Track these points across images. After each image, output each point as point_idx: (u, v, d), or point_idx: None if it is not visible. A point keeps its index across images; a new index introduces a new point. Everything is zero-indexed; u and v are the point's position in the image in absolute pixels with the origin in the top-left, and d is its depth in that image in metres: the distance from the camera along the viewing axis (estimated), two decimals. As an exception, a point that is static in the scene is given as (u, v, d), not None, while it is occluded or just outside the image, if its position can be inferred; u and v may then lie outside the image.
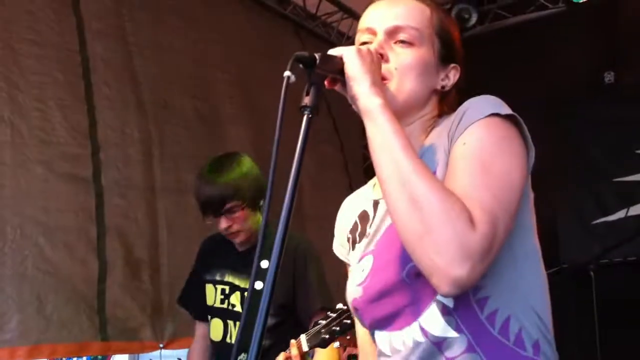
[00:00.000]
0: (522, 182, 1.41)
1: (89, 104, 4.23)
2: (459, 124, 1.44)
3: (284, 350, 2.77)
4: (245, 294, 3.12)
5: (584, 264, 4.51)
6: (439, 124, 1.58)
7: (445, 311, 1.42)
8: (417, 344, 1.46)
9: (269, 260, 1.27)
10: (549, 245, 5.26)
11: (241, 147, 5.14)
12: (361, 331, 1.73)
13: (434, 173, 1.46)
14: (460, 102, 1.57)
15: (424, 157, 1.51)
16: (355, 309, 1.60)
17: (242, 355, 2.90)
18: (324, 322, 2.59)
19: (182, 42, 4.92)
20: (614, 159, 5.55)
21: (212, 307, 3.23)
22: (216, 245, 3.23)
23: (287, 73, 1.32)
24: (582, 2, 5.42)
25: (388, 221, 1.54)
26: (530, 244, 1.49)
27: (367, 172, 6.16)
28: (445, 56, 1.60)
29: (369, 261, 1.56)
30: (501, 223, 1.32)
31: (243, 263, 3.14)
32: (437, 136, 1.54)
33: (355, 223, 1.71)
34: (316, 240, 3.32)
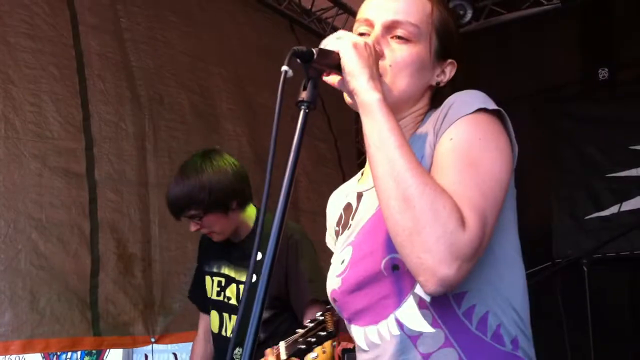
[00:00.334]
0: (508, 178, 1.42)
1: (83, 98, 4.21)
2: (444, 118, 1.44)
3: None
4: (241, 286, 3.13)
5: (577, 258, 4.52)
6: (427, 116, 1.58)
7: (422, 305, 1.41)
8: (392, 338, 1.45)
9: (263, 253, 1.27)
10: (543, 240, 5.30)
11: (237, 142, 5.15)
12: None
13: None
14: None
15: None
16: (334, 300, 1.60)
17: (237, 350, 2.90)
18: (301, 331, 2.55)
19: (178, 36, 4.90)
20: (607, 155, 5.57)
21: (210, 299, 3.26)
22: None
23: (284, 67, 1.32)
24: (576, -1, 5.43)
25: (370, 213, 1.55)
26: (510, 240, 1.49)
27: (360, 167, 6.03)
28: (442, 52, 1.59)
29: (348, 252, 1.56)
30: (489, 221, 1.33)
31: (238, 255, 3.15)
32: (424, 129, 1.53)
33: (341, 215, 1.72)
34: (311, 234, 3.33)
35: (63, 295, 3.91)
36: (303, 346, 2.51)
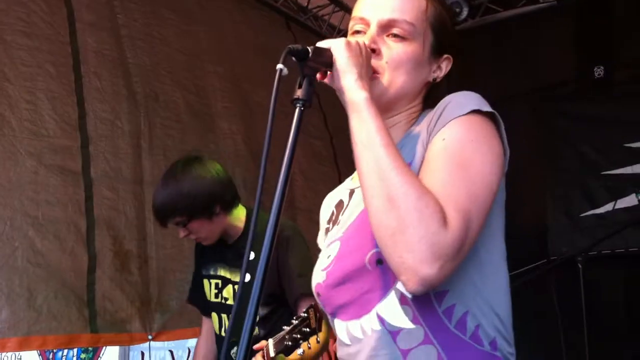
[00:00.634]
0: (497, 181, 1.42)
1: (79, 96, 4.21)
2: (439, 118, 1.45)
3: None
4: (236, 287, 3.17)
5: (572, 256, 4.54)
6: (423, 116, 1.59)
7: (403, 300, 1.42)
8: (373, 333, 1.46)
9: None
10: (539, 237, 5.31)
11: (232, 141, 5.16)
12: None
13: (410, 164, 1.47)
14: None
15: (403, 148, 1.52)
16: (318, 294, 1.61)
17: (235, 349, 2.91)
18: (287, 328, 2.62)
19: (174, 34, 4.90)
20: (602, 153, 5.59)
21: (210, 301, 3.31)
22: None
23: (279, 66, 1.34)
24: (572, -3, 5.44)
25: (359, 209, 1.55)
26: (496, 244, 1.49)
27: None
28: (438, 48, 1.60)
29: (336, 247, 1.57)
30: (474, 223, 1.34)
31: (233, 256, 3.19)
32: (419, 128, 1.54)
33: (332, 212, 1.74)
34: (307, 232, 3.35)
35: (60, 292, 3.92)
36: (289, 343, 2.60)
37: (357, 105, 1.40)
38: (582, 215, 5.56)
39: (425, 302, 1.41)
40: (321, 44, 1.45)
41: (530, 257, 4.92)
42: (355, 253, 1.49)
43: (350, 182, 1.73)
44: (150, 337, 4.39)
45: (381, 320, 1.45)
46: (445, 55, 1.62)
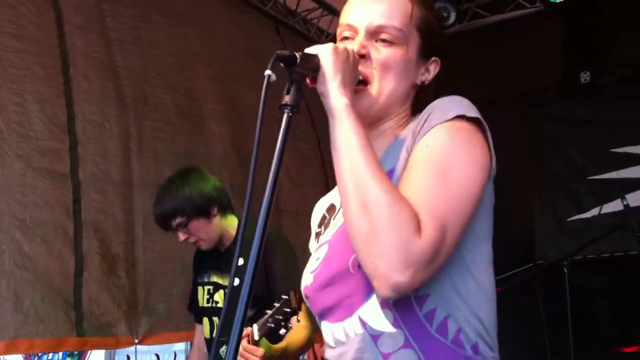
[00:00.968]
0: (480, 189, 1.42)
1: (68, 98, 4.20)
2: (424, 123, 1.45)
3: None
4: (226, 290, 3.31)
5: (558, 260, 4.56)
6: (412, 120, 1.59)
7: (384, 304, 1.43)
8: (356, 336, 1.47)
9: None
10: (524, 242, 5.33)
11: (221, 144, 5.16)
12: None
13: (393, 170, 1.48)
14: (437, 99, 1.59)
15: (391, 153, 1.53)
16: (306, 297, 1.62)
17: (224, 348, 2.95)
18: (269, 311, 2.79)
19: (163, 36, 4.89)
20: (589, 158, 5.63)
21: (202, 307, 3.48)
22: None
23: (268, 72, 1.34)
24: (560, 2, 5.47)
25: None
26: (481, 250, 1.49)
27: None
28: (426, 51, 1.61)
29: (324, 250, 1.58)
30: (450, 230, 1.34)
31: (225, 262, 3.37)
32: (405, 134, 1.55)
33: (324, 216, 1.74)
34: (294, 235, 3.42)
35: (47, 295, 3.90)
36: (272, 325, 2.78)
37: (337, 111, 1.41)
38: (568, 219, 5.59)
39: (406, 305, 1.41)
40: (309, 50, 1.46)
41: (517, 260, 4.94)
42: (340, 256, 1.49)
43: None
44: (136, 340, 4.39)
45: (363, 324, 1.45)
46: (433, 58, 1.63)
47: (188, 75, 5.07)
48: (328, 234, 1.62)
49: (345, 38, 1.59)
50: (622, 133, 5.46)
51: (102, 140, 4.38)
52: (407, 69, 1.58)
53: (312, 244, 1.77)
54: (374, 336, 1.44)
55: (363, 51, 1.53)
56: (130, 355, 4.72)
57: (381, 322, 1.43)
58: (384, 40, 1.55)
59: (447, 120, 1.43)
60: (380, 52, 1.55)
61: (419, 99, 1.63)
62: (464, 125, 1.44)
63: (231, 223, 3.41)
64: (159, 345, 5.15)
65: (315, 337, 3.25)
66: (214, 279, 3.44)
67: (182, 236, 3.32)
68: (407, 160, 1.46)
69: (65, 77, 4.22)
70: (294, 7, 6.09)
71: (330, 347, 1.56)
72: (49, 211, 4.01)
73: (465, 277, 1.45)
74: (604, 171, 5.51)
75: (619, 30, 5.64)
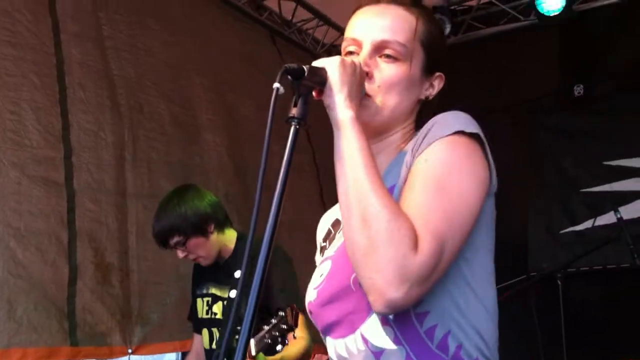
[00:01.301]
0: (479, 203, 1.42)
1: (63, 106, 4.19)
2: (424, 138, 1.45)
3: None
4: (225, 303, 3.37)
5: (551, 272, 4.58)
6: (414, 135, 1.59)
7: (385, 321, 1.43)
8: (359, 352, 1.46)
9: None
10: (518, 253, 5.33)
11: (217, 154, 5.15)
12: None
13: (394, 186, 1.48)
14: (439, 112, 1.59)
15: (393, 169, 1.54)
16: (310, 312, 1.61)
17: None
18: (267, 327, 2.81)
19: (159, 46, 4.89)
20: (582, 170, 5.66)
21: (201, 319, 3.51)
22: None
23: (276, 85, 1.34)
24: (554, 16, 5.51)
25: None
26: (482, 264, 1.49)
27: None
28: (430, 66, 1.61)
29: (327, 265, 1.58)
30: (449, 246, 1.34)
31: (224, 275, 3.39)
32: (407, 148, 1.54)
33: (329, 230, 1.74)
34: (288, 246, 3.43)
35: (40, 304, 3.88)
36: (269, 341, 2.80)
37: (342, 124, 1.42)
38: (562, 231, 5.62)
39: (407, 322, 1.41)
40: (316, 63, 1.46)
41: (510, 272, 4.95)
42: (342, 273, 1.49)
43: None
44: (130, 350, 4.37)
45: (365, 341, 1.45)
46: (438, 74, 1.63)
47: (183, 84, 5.06)
48: (331, 250, 1.62)
49: (350, 52, 1.59)
50: (615, 146, 5.50)
51: (97, 149, 4.37)
52: (411, 85, 1.58)
53: (318, 258, 1.77)
54: (376, 353, 1.44)
55: (366, 69, 1.53)
56: (123, 365, 4.69)
57: (382, 339, 1.43)
58: (388, 56, 1.55)
59: (446, 136, 1.43)
60: (383, 70, 1.55)
61: (423, 114, 1.63)
62: (463, 140, 1.44)
63: (229, 237, 3.43)
64: (152, 355, 5.11)
65: (313, 347, 3.25)
66: (212, 290, 3.47)
67: (181, 254, 3.35)
68: (407, 177, 1.45)
69: (60, 86, 4.20)
70: (290, 18, 6.11)
71: None
72: (44, 220, 3.99)
73: (465, 292, 1.45)
74: (597, 183, 5.54)
75: (612, 43, 5.68)
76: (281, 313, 2.77)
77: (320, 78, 1.44)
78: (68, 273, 4.07)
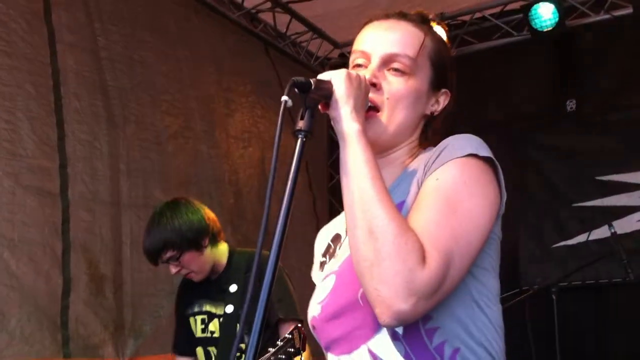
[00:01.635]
0: (488, 225, 1.43)
1: (59, 116, 4.18)
2: (436, 158, 1.47)
3: None
4: (221, 319, 3.28)
5: (546, 286, 4.59)
6: (423, 152, 1.60)
7: (395, 337, 1.43)
8: None
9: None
10: (510, 268, 5.32)
11: (210, 165, 5.15)
12: None
13: (403, 202, 1.49)
14: (444, 128, 1.61)
15: (400, 184, 1.55)
16: (313, 327, 1.61)
17: None
18: (272, 349, 2.70)
19: (154, 57, 4.90)
20: (574, 185, 5.68)
21: (197, 338, 3.41)
22: (190, 280, 3.39)
23: (284, 97, 1.35)
24: (546, 31, 5.54)
25: None
26: (488, 285, 1.50)
27: (331, 191, 6.23)
28: (437, 82, 1.63)
29: (331, 280, 1.58)
30: (455, 263, 1.34)
31: (216, 290, 3.33)
32: (416, 165, 1.56)
33: (329, 245, 1.74)
34: (280, 256, 3.40)
35: (33, 315, 3.85)
36: None
37: (348, 136, 1.42)
38: (553, 246, 5.63)
39: (417, 338, 1.42)
40: (322, 76, 1.47)
41: (503, 286, 4.95)
42: (349, 288, 1.49)
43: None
44: (122, 363, 4.34)
45: (374, 356, 1.45)
46: (444, 90, 1.65)
47: (178, 95, 5.07)
48: (334, 264, 1.62)
49: (358, 65, 1.60)
50: (607, 161, 5.52)
51: (92, 159, 4.36)
52: (418, 100, 1.59)
53: (316, 274, 1.76)
54: None
55: (375, 80, 1.55)
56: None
57: (392, 355, 1.43)
58: (396, 70, 1.57)
59: (458, 157, 1.44)
60: (392, 83, 1.56)
61: (428, 130, 1.64)
62: (475, 163, 1.45)
63: (222, 251, 3.37)
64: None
65: None
66: (206, 308, 3.38)
67: (174, 269, 3.28)
68: (417, 194, 1.47)
69: (56, 96, 4.19)
70: (284, 30, 6.12)
71: None
72: (38, 230, 3.97)
73: (473, 310, 1.46)
74: (589, 198, 5.56)
75: (604, 59, 5.72)
76: (288, 335, 2.68)
77: (326, 91, 1.45)
78: (62, 284, 4.04)
